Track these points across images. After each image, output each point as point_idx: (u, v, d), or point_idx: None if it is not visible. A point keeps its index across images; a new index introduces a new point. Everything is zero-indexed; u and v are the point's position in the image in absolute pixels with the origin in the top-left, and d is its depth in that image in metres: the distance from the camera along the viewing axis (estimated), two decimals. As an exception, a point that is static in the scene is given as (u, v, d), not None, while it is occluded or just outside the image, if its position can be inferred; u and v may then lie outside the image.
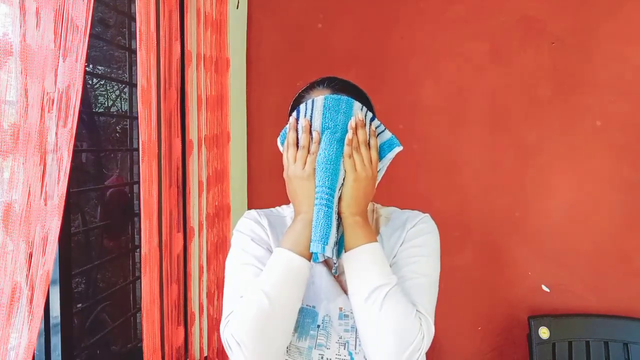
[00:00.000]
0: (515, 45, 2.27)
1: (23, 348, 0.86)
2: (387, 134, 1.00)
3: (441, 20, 2.32)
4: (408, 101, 2.35)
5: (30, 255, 0.87)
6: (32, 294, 0.87)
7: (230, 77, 2.08)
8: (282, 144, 1.02)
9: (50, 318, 1.26)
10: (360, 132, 0.96)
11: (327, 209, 0.92)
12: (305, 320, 0.97)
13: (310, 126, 0.96)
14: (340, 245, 0.96)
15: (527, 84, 2.26)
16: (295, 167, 0.96)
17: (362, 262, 0.92)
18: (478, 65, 2.30)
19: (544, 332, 2.11)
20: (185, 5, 1.72)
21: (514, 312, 2.29)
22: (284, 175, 1.00)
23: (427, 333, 0.89)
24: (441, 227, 1.07)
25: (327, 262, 1.01)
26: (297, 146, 0.97)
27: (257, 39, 2.44)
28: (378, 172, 1.00)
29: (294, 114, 0.98)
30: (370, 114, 0.99)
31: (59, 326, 1.27)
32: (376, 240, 0.95)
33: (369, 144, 0.97)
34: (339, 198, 0.95)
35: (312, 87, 1.05)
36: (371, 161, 0.97)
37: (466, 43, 2.30)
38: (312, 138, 0.96)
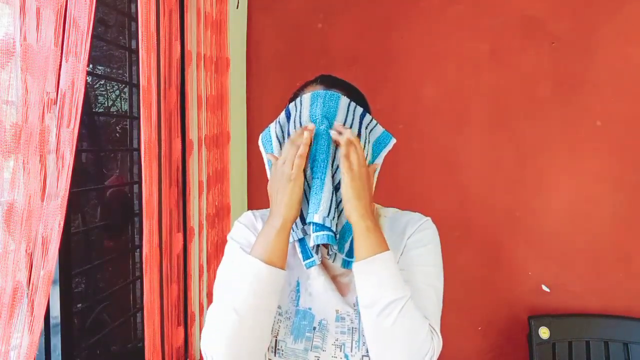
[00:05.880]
0: (515, 45, 2.27)
1: (24, 348, 0.86)
2: (379, 129, 1.00)
3: (441, 20, 2.32)
4: (408, 101, 2.35)
5: (32, 255, 0.86)
6: (33, 294, 0.86)
7: (230, 77, 2.08)
8: (264, 144, 1.01)
9: (50, 318, 1.25)
10: (345, 132, 0.92)
11: (320, 180, 0.90)
12: (302, 322, 0.96)
13: (301, 125, 0.95)
14: (350, 250, 0.94)
15: (527, 83, 2.27)
16: (283, 167, 0.92)
17: (375, 274, 0.88)
18: (478, 65, 2.30)
19: (544, 332, 2.11)
20: (185, 5, 1.72)
21: (514, 312, 2.29)
22: (268, 174, 0.98)
23: (436, 349, 0.88)
24: (441, 227, 1.06)
25: (323, 263, 1.00)
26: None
27: (257, 39, 2.44)
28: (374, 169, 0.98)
29: (283, 114, 0.98)
30: (359, 109, 0.97)
31: (59, 326, 1.27)
32: (388, 249, 0.90)
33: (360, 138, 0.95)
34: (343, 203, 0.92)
35: (306, 85, 1.05)
36: (365, 158, 0.94)
37: (466, 43, 2.30)
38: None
